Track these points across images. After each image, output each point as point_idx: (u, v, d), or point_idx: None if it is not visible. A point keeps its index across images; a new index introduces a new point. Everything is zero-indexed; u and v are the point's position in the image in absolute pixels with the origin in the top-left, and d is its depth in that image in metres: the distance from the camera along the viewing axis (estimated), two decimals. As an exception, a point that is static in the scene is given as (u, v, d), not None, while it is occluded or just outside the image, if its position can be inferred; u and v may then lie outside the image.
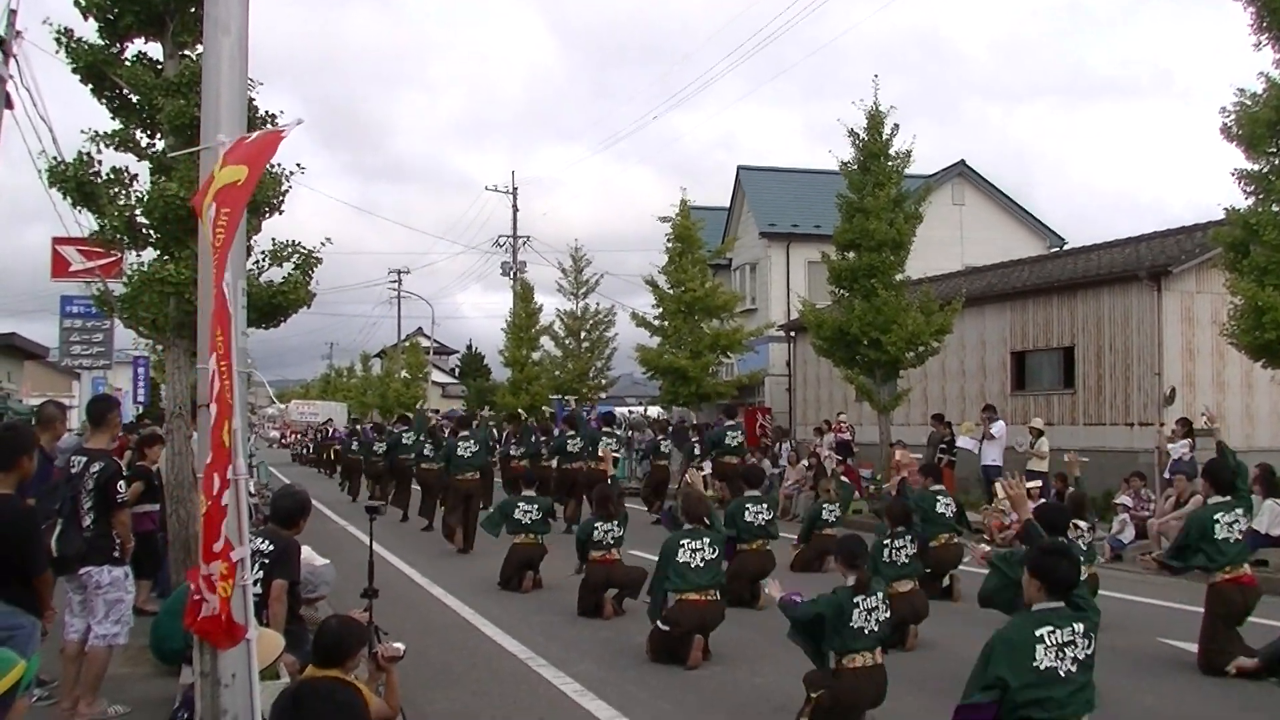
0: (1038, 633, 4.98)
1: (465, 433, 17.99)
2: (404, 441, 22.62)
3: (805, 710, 6.74)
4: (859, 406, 26.52)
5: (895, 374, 22.44)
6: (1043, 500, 12.47)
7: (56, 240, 19.25)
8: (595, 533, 11.32)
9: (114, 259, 15.72)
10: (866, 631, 6.80)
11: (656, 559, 9.44)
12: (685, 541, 9.35)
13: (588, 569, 11.47)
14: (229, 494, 4.12)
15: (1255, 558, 13.08)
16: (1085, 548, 9.86)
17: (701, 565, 9.22)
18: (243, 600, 4.19)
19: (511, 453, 22.78)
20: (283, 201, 11.28)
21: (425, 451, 20.31)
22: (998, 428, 20.46)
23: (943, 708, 7.42)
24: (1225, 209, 15.62)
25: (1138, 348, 21.16)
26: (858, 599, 6.80)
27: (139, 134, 10.60)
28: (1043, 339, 23.84)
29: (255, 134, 4.26)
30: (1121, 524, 15.96)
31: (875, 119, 21.95)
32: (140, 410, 35.05)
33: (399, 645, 5.60)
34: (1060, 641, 4.99)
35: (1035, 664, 4.91)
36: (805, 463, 22.30)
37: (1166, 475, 16.60)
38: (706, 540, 9.38)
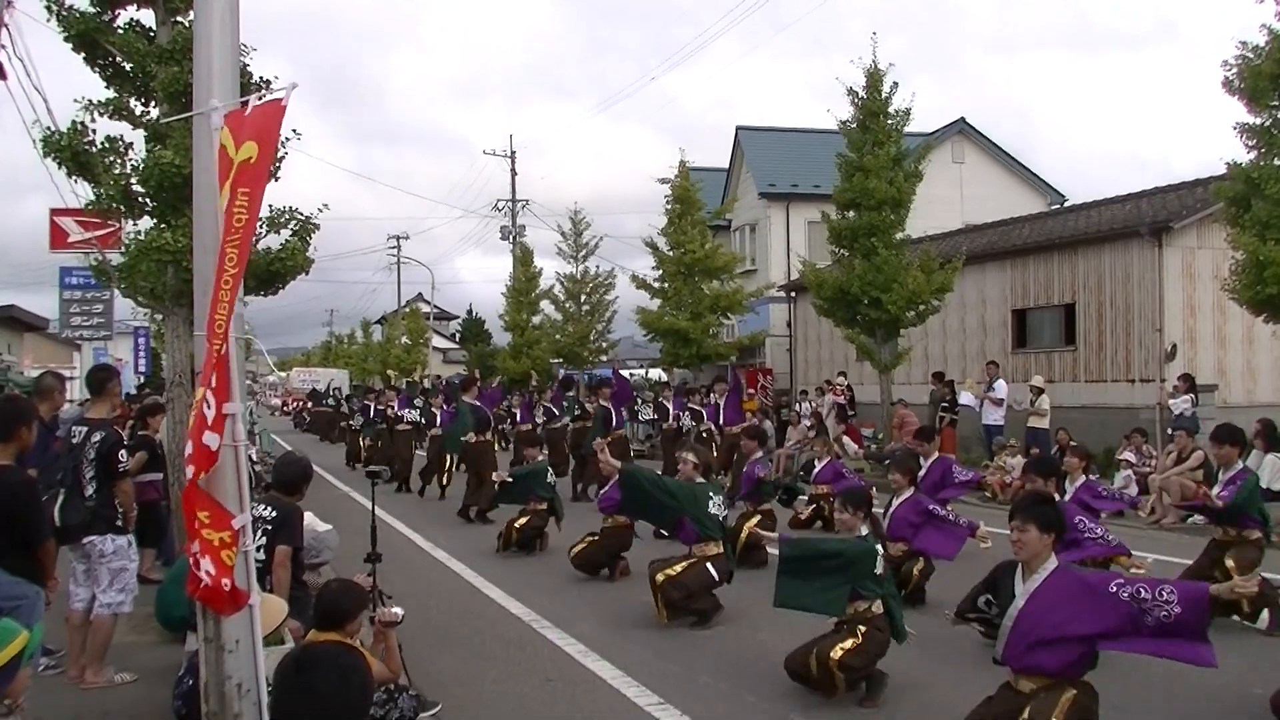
0: None
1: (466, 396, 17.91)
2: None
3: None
4: (860, 366, 26.49)
5: (896, 333, 22.41)
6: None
7: (55, 212, 19.20)
8: None
9: (112, 229, 15.64)
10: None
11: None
12: (714, 495, 9.45)
13: (605, 534, 11.51)
14: (226, 462, 4.12)
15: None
16: None
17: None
18: (245, 566, 4.19)
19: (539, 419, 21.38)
20: (279, 168, 11.24)
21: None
22: (999, 387, 20.47)
23: (949, 671, 7.49)
24: (1227, 163, 15.54)
25: (1139, 304, 21.12)
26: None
27: (133, 102, 10.52)
28: (1044, 296, 23.79)
29: (253, 104, 4.21)
30: (1126, 480, 16.00)
31: (874, 77, 21.79)
32: (142, 380, 35.11)
33: (397, 610, 5.63)
34: None
35: None
36: (806, 422, 22.33)
37: (1169, 431, 16.61)
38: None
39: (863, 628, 6.80)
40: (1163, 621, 4.97)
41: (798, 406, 25.67)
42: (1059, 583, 5.29)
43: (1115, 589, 5.08)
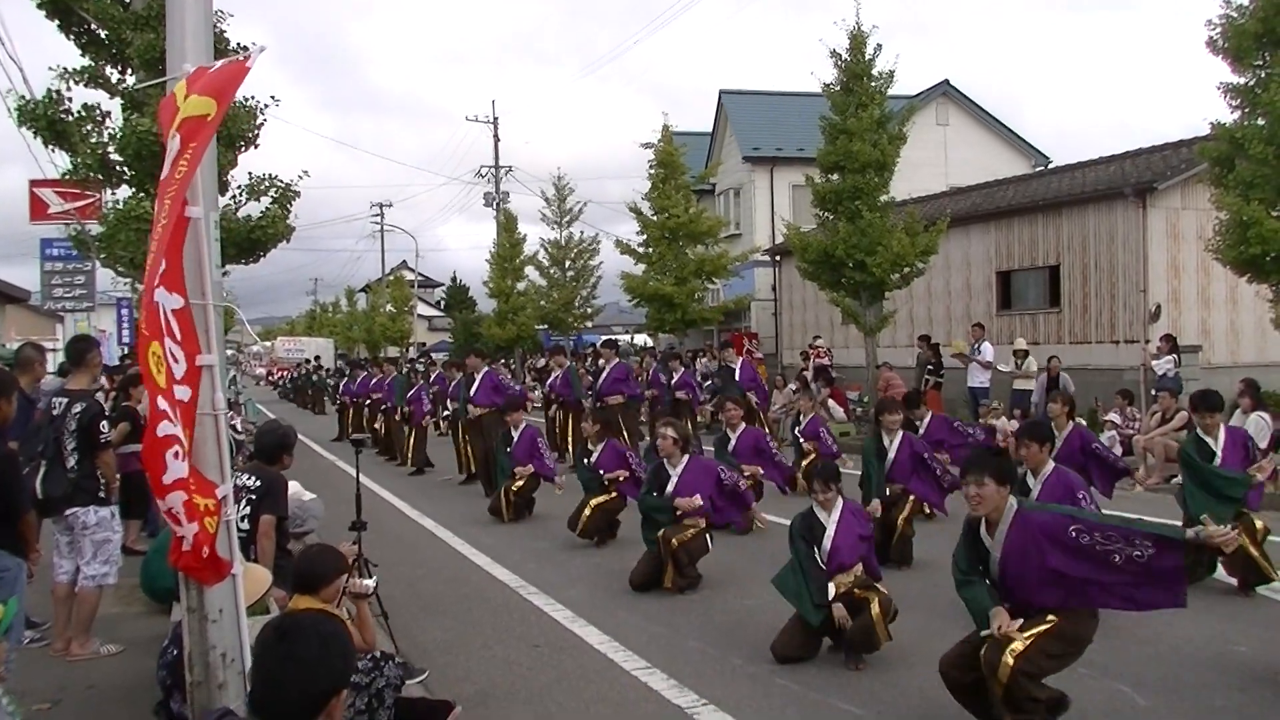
0: None
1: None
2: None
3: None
4: (845, 329, 26.52)
5: (881, 296, 22.41)
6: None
7: (34, 183, 19.04)
8: None
9: (92, 200, 15.55)
10: None
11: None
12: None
13: (600, 506, 11.39)
14: (206, 431, 4.08)
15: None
16: None
17: None
18: (227, 536, 4.17)
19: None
20: (258, 135, 11.16)
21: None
22: (985, 349, 20.50)
23: (940, 627, 7.52)
24: (1211, 123, 15.52)
25: (1123, 265, 21.15)
26: None
27: (109, 70, 10.44)
28: (1028, 258, 23.80)
29: (220, 63, 4.15)
30: (1110, 440, 16.06)
31: (857, 39, 21.66)
32: (126, 351, 34.94)
33: (367, 582, 5.61)
34: None
35: None
36: (792, 386, 22.35)
37: (1152, 392, 16.66)
38: None
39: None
40: (1135, 560, 5.05)
41: (783, 369, 25.69)
42: (1022, 526, 5.39)
43: (1075, 534, 5.19)
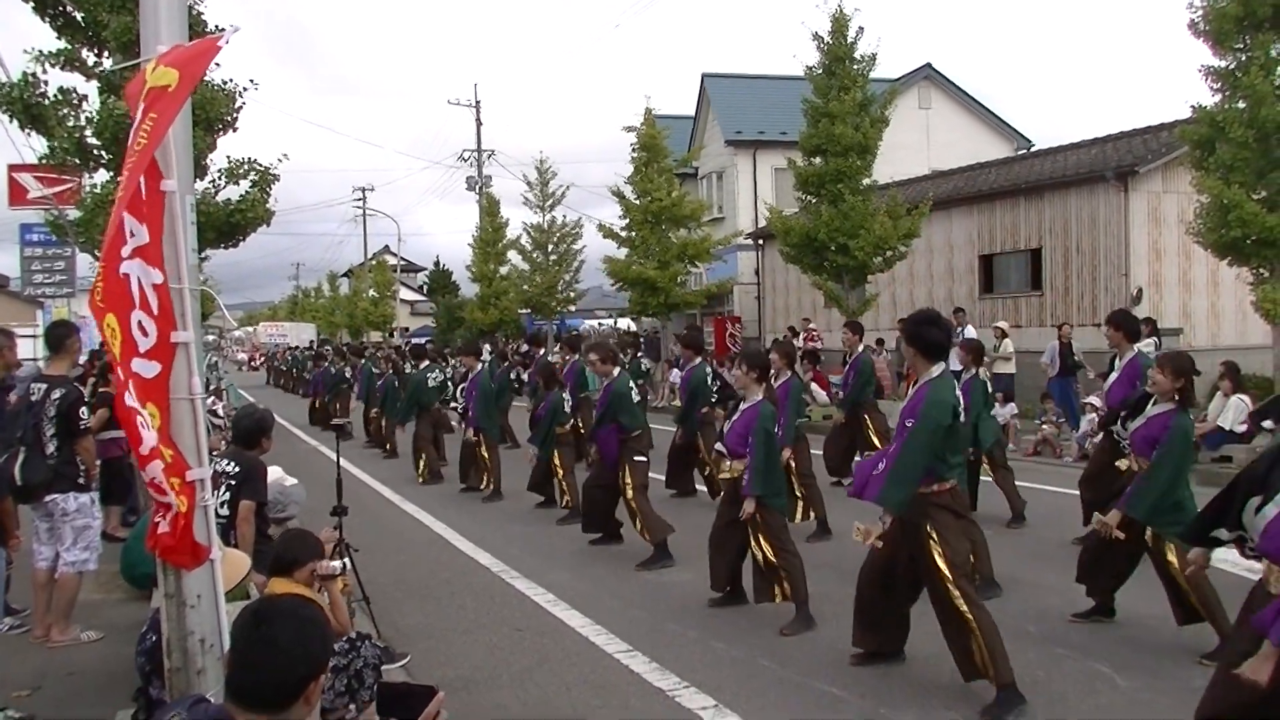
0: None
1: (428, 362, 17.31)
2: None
3: None
4: (828, 313, 26.53)
5: (863, 279, 22.44)
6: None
7: (13, 168, 18.85)
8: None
9: (71, 185, 15.42)
10: None
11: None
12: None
13: (559, 439, 12.19)
14: (183, 415, 4.05)
15: (1220, 454, 13.30)
16: None
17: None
18: (205, 521, 4.14)
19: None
20: (237, 119, 11.08)
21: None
22: (968, 332, 20.52)
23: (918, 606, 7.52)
24: (1192, 106, 15.57)
25: (1104, 248, 21.21)
26: None
27: (85, 53, 10.33)
28: (1010, 241, 23.85)
29: (192, 41, 4.12)
30: (1090, 424, 16.11)
31: (840, 22, 21.63)
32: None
33: (335, 564, 5.60)
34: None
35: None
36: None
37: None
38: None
39: None
40: None
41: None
42: None
43: None
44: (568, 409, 12.83)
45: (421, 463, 15.47)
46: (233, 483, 6.58)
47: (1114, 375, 9.38)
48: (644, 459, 10.00)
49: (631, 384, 10.43)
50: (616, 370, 10.42)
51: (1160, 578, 6.74)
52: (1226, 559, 5.41)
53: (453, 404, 16.76)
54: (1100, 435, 10.19)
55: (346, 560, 6.34)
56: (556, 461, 12.16)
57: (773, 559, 7.42)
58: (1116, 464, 7.80)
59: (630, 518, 9.83)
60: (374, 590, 7.59)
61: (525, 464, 12.96)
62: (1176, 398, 6.70)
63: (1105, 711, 5.71)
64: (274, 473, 8.68)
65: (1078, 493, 9.66)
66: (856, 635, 6.48)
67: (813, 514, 10.56)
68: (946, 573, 5.65)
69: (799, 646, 6.95)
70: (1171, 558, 6.55)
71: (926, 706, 5.79)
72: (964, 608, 5.61)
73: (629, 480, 9.78)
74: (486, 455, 13.69)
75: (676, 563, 9.32)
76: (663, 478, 12.59)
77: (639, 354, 22.13)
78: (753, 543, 7.55)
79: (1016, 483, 10.88)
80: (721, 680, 6.35)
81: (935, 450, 5.69)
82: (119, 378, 3.82)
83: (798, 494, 10.51)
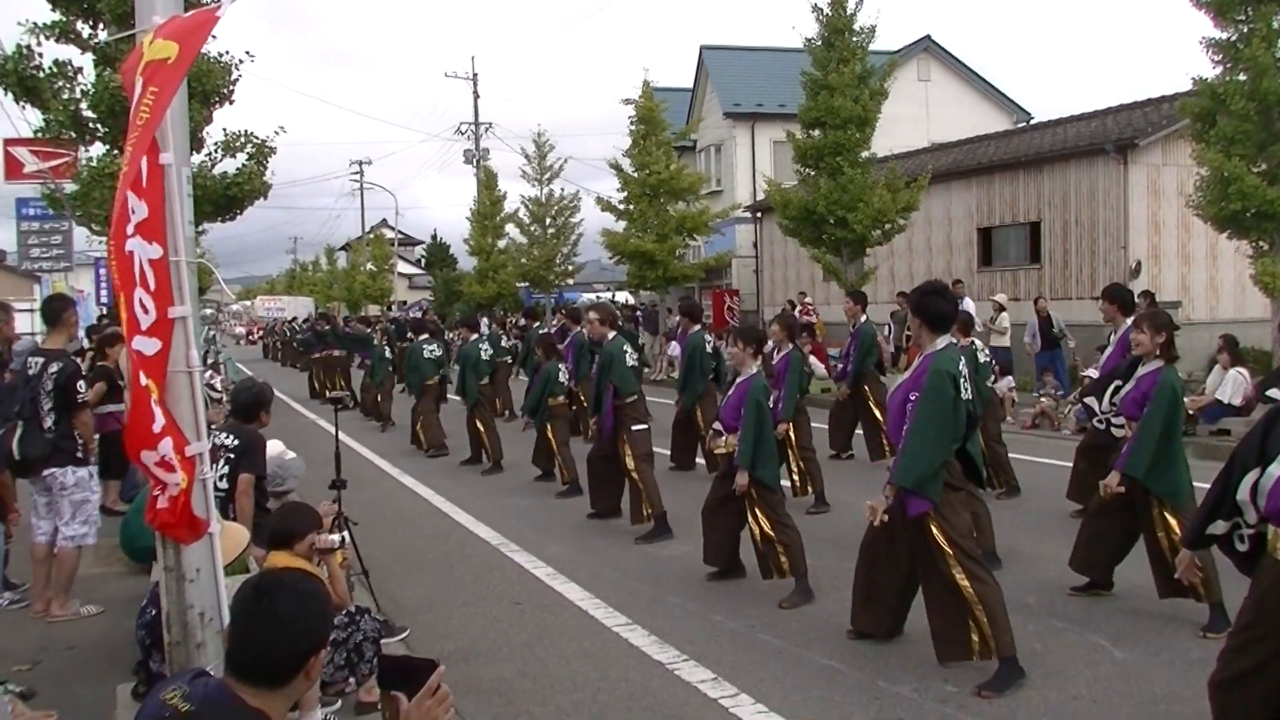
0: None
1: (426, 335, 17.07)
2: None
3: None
4: (826, 286, 26.48)
5: (862, 252, 22.40)
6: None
7: (8, 142, 18.76)
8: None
9: (67, 159, 15.36)
10: None
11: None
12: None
13: (553, 412, 12.26)
14: (181, 388, 4.03)
15: (1217, 427, 13.30)
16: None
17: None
18: (203, 494, 4.13)
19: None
20: (234, 91, 11.02)
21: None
22: (966, 306, 20.51)
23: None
24: (1193, 79, 15.49)
25: (1104, 221, 21.16)
26: None
27: (80, 25, 10.27)
28: (1009, 214, 23.79)
29: (190, 12, 4.07)
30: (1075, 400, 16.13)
31: (839, -7, 21.51)
32: (104, 311, 34.71)
33: (334, 537, 5.59)
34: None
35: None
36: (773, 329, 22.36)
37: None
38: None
39: None
40: None
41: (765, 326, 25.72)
42: None
43: None
44: (566, 381, 12.80)
45: (424, 435, 15.55)
46: (231, 456, 6.57)
47: (1109, 349, 9.37)
48: (643, 426, 9.96)
49: (627, 347, 10.39)
50: (612, 334, 10.37)
51: (1149, 552, 6.75)
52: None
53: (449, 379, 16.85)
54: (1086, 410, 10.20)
55: (346, 534, 6.35)
56: (551, 435, 12.18)
57: (770, 532, 7.42)
58: (1112, 432, 7.83)
59: (631, 488, 9.83)
60: (373, 564, 7.59)
61: (519, 434, 12.98)
62: (1159, 354, 6.78)
63: (1105, 684, 5.72)
64: (274, 446, 8.66)
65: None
66: (855, 614, 6.49)
67: (811, 488, 10.57)
68: (947, 549, 5.62)
69: (798, 620, 6.97)
70: (1161, 534, 6.58)
71: (925, 679, 5.80)
72: (966, 583, 5.58)
73: (629, 450, 9.72)
74: (483, 428, 13.71)
75: (676, 536, 9.31)
76: (667, 451, 12.63)
77: (637, 326, 22.13)
78: (749, 518, 7.55)
79: (1015, 455, 10.90)
80: (721, 653, 6.37)
81: (950, 423, 5.64)
82: (133, 357, 3.80)
83: (794, 467, 10.54)
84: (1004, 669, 5.56)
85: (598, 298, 42.63)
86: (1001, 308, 19.53)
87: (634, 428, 9.84)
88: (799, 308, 25.09)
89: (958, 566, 5.60)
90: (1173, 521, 6.51)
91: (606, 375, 9.96)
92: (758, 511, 7.47)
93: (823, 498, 10.50)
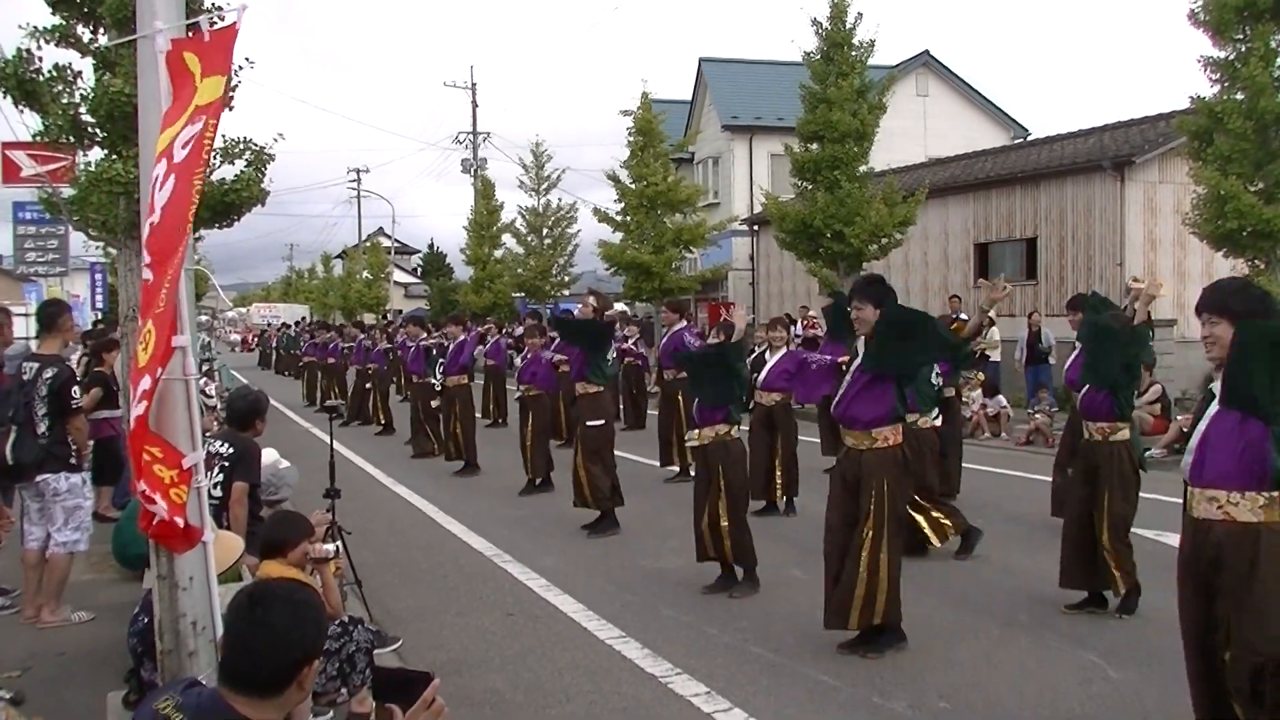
0: None
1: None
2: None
3: None
4: (823, 299, 26.48)
5: (859, 266, 22.38)
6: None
7: (6, 145, 18.72)
8: None
9: (65, 163, 15.31)
10: None
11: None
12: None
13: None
14: (176, 398, 4.03)
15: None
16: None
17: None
18: (198, 503, 4.12)
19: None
20: (232, 98, 10.99)
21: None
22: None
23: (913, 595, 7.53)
24: (1190, 97, 15.56)
25: (1100, 238, 21.20)
26: None
27: (80, 28, 10.23)
28: (1006, 230, 23.83)
29: (207, 32, 4.07)
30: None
31: (839, 8, 21.55)
32: (100, 316, 34.62)
33: (328, 547, 5.57)
34: None
35: None
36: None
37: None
38: None
39: None
40: None
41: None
42: None
43: None
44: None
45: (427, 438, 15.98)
46: (226, 464, 6.55)
47: (1071, 356, 9.38)
48: (600, 421, 10.24)
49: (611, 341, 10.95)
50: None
51: (1081, 550, 7.18)
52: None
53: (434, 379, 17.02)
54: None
55: (339, 543, 6.33)
56: (530, 428, 12.44)
57: (723, 522, 7.75)
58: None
59: (573, 479, 10.26)
60: (366, 573, 7.57)
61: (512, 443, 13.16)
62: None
63: (1098, 702, 5.71)
64: (269, 455, 8.66)
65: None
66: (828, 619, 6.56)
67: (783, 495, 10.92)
68: (875, 524, 6.17)
69: (792, 633, 6.95)
70: (1105, 539, 7.06)
71: (918, 694, 5.79)
72: (881, 557, 6.14)
73: (581, 443, 10.18)
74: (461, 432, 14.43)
75: (668, 549, 9.29)
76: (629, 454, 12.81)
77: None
78: (712, 500, 7.83)
79: (1010, 472, 10.93)
80: (714, 667, 6.35)
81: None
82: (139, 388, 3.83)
83: (778, 476, 10.72)
84: (890, 635, 6.39)
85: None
86: (992, 323, 19.54)
87: (590, 421, 10.03)
88: (802, 321, 25.08)
89: (882, 543, 6.20)
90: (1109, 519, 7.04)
91: (578, 337, 10.75)
92: (722, 501, 7.78)
93: (792, 505, 10.87)
